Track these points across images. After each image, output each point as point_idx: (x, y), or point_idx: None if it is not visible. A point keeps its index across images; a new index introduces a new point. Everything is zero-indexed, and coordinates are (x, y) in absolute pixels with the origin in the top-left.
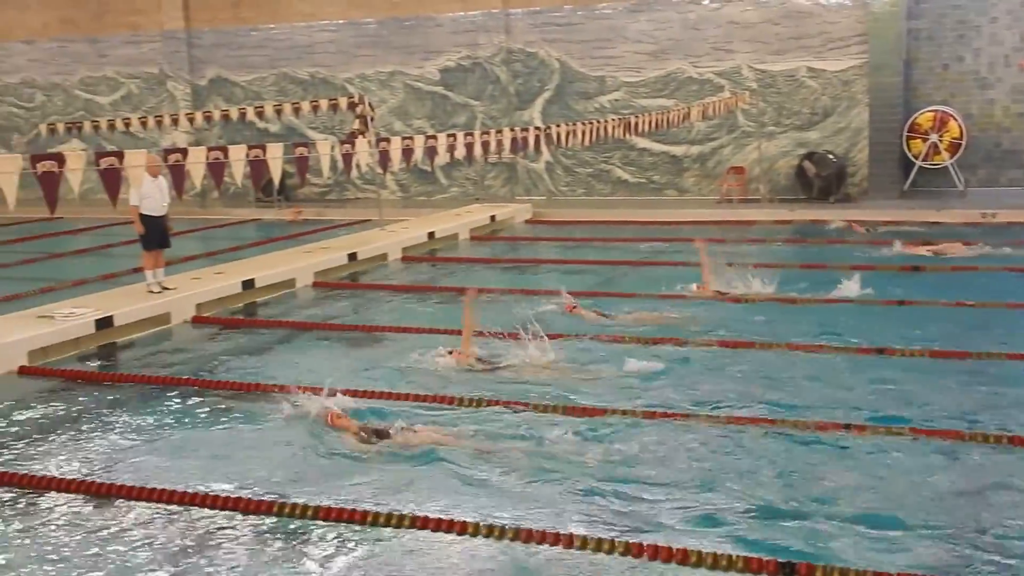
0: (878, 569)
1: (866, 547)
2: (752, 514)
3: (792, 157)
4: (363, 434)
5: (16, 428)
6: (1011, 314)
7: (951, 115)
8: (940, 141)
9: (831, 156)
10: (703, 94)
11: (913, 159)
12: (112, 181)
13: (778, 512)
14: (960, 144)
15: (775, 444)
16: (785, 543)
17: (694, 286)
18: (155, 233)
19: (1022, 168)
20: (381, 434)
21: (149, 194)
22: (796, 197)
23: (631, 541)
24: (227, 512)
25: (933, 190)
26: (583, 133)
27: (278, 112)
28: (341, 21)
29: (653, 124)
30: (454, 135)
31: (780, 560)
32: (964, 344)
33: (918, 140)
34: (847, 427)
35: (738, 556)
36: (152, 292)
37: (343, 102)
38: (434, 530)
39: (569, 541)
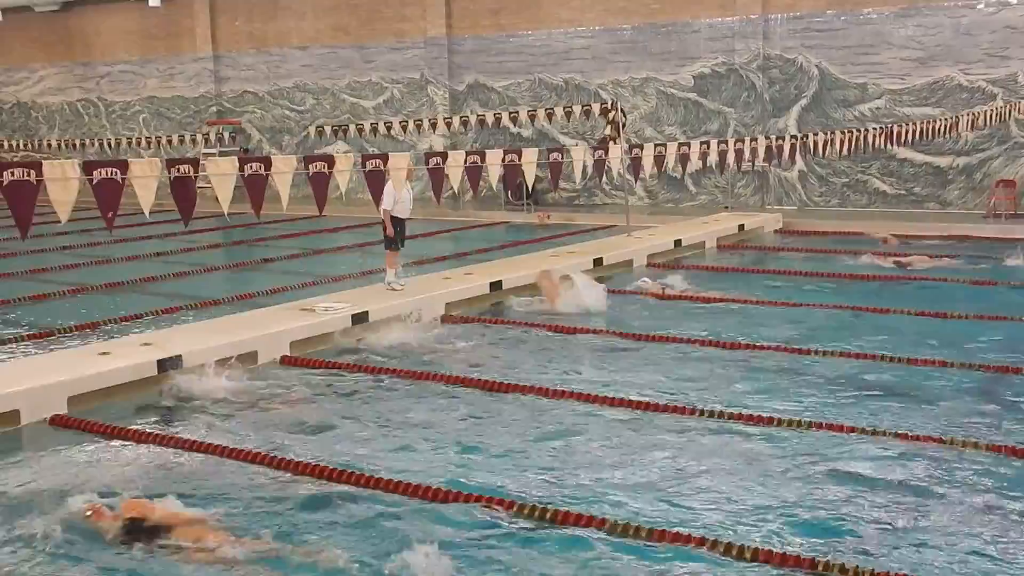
0: None
1: None
2: None
3: None
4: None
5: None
6: None
7: None
8: None
9: None
10: (973, 103)
11: None
12: (375, 182)
13: None
14: None
15: None
16: None
17: None
18: (400, 234)
19: None
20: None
21: (401, 198)
22: None
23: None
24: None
25: None
26: (841, 142)
27: (532, 117)
28: (598, 27)
29: (917, 133)
30: (707, 142)
31: None
32: None
33: None
34: None
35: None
36: (394, 290)
37: (596, 108)
38: None
39: None
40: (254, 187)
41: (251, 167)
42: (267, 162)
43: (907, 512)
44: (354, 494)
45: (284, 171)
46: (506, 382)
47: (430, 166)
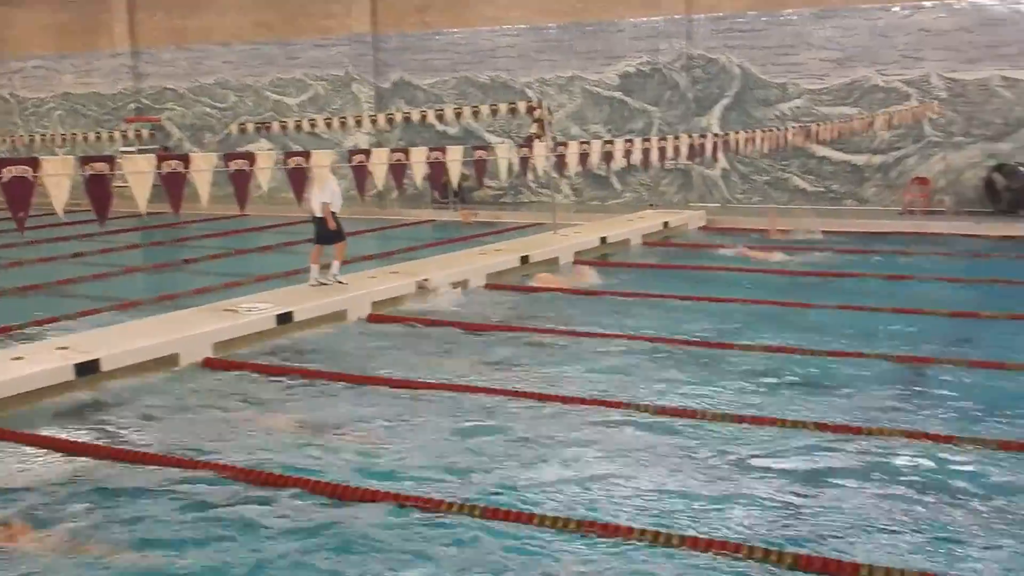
0: None
1: None
2: None
3: (980, 169)
4: None
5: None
6: None
7: None
8: None
9: (1022, 168)
10: (888, 103)
11: None
12: (298, 180)
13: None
14: None
15: None
16: None
17: None
18: (337, 227)
19: None
20: None
21: (337, 192)
22: (983, 210)
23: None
24: None
25: None
26: (762, 140)
27: (458, 115)
28: (524, 26)
29: (835, 132)
30: (631, 140)
31: None
32: None
33: None
34: None
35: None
36: (324, 284)
37: (522, 106)
38: None
39: None
40: (173, 185)
41: (169, 165)
42: (186, 160)
43: (829, 499)
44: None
45: (204, 168)
46: (425, 380)
47: (354, 163)
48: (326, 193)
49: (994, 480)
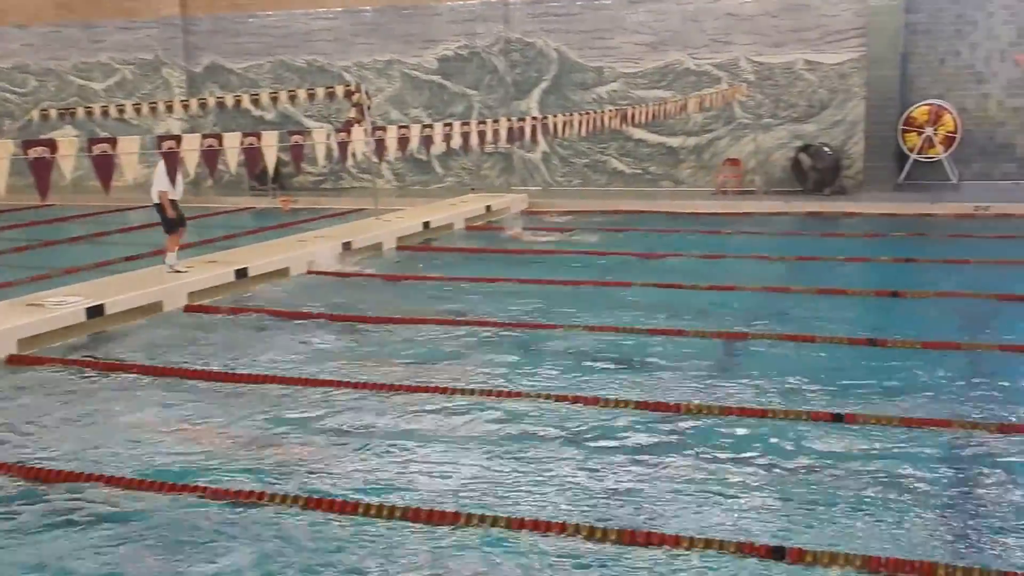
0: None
1: None
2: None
3: (788, 149)
4: None
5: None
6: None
7: (946, 109)
8: (935, 135)
9: (827, 149)
10: (700, 86)
11: (908, 152)
12: (105, 168)
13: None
14: (955, 138)
15: None
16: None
17: None
18: (180, 215)
19: (1015, 162)
20: None
21: (178, 179)
22: (792, 189)
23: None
24: None
25: (927, 183)
26: (580, 123)
27: (274, 100)
28: (339, 9)
29: (650, 115)
30: (450, 124)
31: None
32: None
33: (913, 133)
34: None
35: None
36: (178, 272)
37: (340, 90)
38: None
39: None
40: None
41: None
42: None
43: (652, 476)
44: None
45: (0, 157)
46: (244, 371)
47: (163, 150)
48: (163, 180)
49: (816, 448)
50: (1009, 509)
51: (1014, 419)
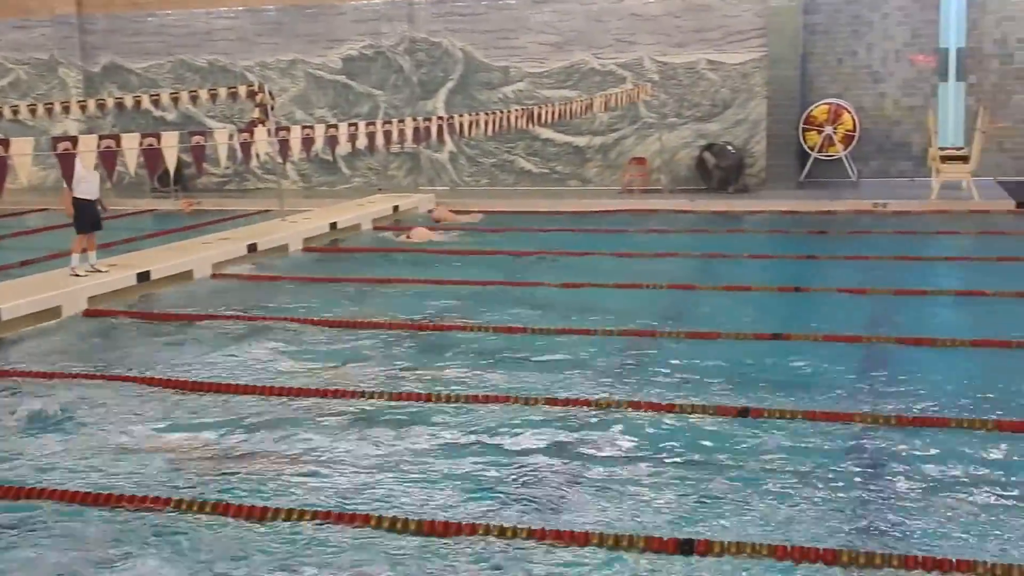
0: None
1: None
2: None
3: (693, 148)
4: None
5: None
6: None
7: (845, 108)
8: (835, 133)
9: (730, 147)
10: (606, 85)
11: (809, 150)
12: None
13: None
14: (853, 136)
15: None
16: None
17: None
18: (90, 216)
19: (912, 160)
20: None
21: (85, 177)
22: (697, 187)
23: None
24: None
25: (828, 181)
26: (486, 123)
27: (175, 100)
28: (241, 8)
29: (556, 115)
30: (355, 124)
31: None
32: None
33: (813, 132)
34: None
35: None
36: (78, 275)
37: (243, 90)
38: None
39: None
40: None
41: None
42: None
43: (562, 471)
44: None
45: None
46: (144, 375)
47: (58, 151)
48: (75, 182)
49: (723, 442)
50: (909, 497)
51: (914, 411)
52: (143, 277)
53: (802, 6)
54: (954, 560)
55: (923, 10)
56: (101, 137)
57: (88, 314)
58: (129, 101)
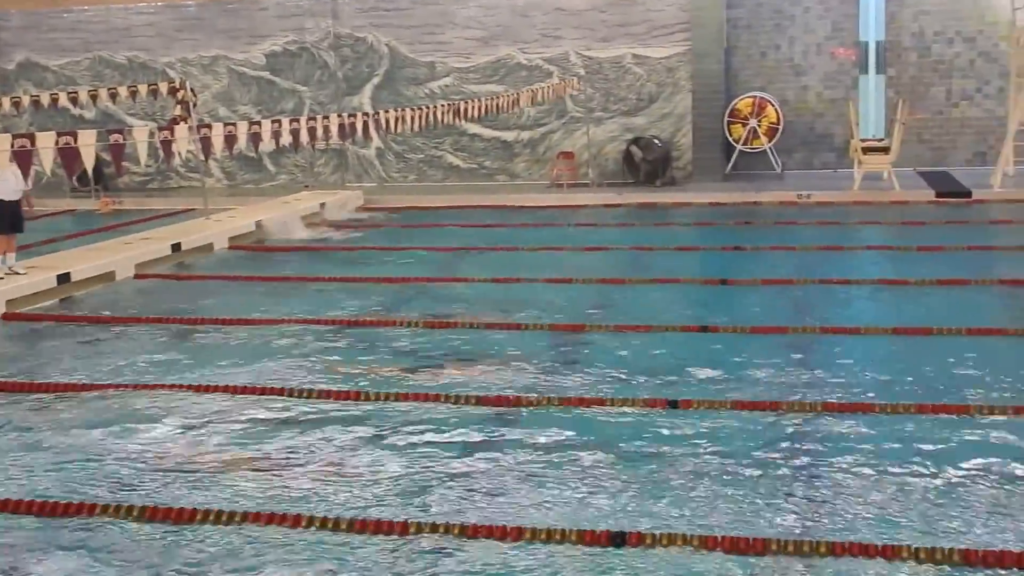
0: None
1: None
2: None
3: (620, 142)
4: None
5: None
6: None
7: (769, 101)
8: (759, 126)
9: (657, 141)
10: (532, 80)
11: (734, 143)
12: None
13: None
14: (777, 129)
15: None
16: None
17: None
18: (8, 217)
19: (834, 151)
20: None
21: (3, 177)
22: (624, 181)
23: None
24: None
25: (753, 173)
26: (413, 119)
27: (93, 98)
28: (160, 3)
29: (483, 110)
30: (279, 121)
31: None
32: None
33: (738, 125)
34: None
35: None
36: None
37: (164, 87)
38: None
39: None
40: None
41: None
42: None
43: (487, 470)
44: None
45: None
46: (69, 382)
47: None
48: None
49: (653, 434)
50: (837, 485)
51: (840, 398)
52: (63, 279)
53: (725, 1)
54: (879, 545)
55: (843, 4)
56: (15, 136)
57: (7, 318)
58: (46, 99)
